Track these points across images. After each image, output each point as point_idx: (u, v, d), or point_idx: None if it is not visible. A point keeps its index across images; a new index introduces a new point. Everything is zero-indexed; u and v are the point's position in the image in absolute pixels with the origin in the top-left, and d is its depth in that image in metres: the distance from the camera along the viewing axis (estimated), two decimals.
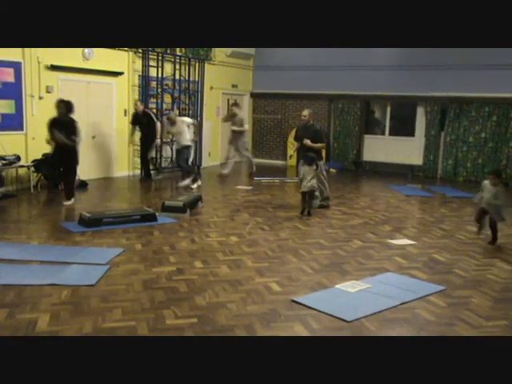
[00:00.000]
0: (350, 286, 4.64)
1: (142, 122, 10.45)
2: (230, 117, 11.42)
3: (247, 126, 11.97)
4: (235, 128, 11.26)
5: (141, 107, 10.42)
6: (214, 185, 10.57)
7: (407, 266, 5.35)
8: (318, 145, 7.96)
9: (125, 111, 10.88)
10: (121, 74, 10.56)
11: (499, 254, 5.86)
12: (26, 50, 8.71)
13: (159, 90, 11.35)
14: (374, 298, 4.39)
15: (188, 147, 10.15)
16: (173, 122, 9.98)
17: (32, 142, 8.92)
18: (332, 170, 13.12)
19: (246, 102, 14.59)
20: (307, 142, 7.86)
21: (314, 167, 7.45)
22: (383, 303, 4.27)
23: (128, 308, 4.03)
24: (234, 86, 13.89)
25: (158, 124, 10.47)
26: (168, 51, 11.55)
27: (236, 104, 11.80)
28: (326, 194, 8.19)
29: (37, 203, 8.15)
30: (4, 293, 4.24)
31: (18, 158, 8.53)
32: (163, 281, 4.67)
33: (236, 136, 11.32)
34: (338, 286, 4.65)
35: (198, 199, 7.96)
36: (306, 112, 8.21)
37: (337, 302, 4.28)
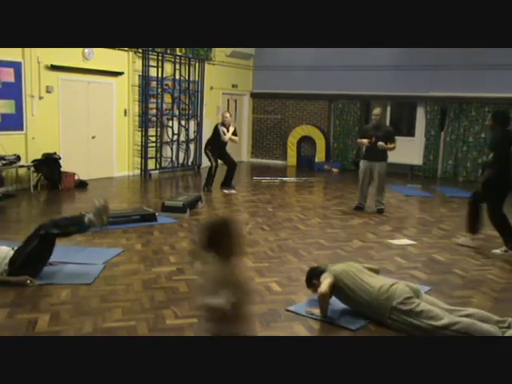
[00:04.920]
0: None
1: None
2: None
3: None
4: None
5: None
6: (213, 186, 10.56)
7: (407, 266, 5.35)
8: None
9: (125, 111, 10.88)
10: (121, 74, 10.56)
11: (499, 254, 5.86)
12: (26, 49, 8.71)
13: (159, 89, 11.35)
14: None
15: None
16: None
17: (32, 142, 8.92)
18: (334, 169, 13.13)
19: (246, 102, 14.60)
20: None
21: None
22: None
23: (128, 308, 4.03)
24: (234, 85, 13.90)
25: None
26: (168, 51, 11.55)
27: None
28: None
29: (37, 203, 8.15)
30: (4, 293, 4.24)
31: (18, 158, 8.53)
32: (163, 281, 4.66)
33: None
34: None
35: (198, 199, 7.96)
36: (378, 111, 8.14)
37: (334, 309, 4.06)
